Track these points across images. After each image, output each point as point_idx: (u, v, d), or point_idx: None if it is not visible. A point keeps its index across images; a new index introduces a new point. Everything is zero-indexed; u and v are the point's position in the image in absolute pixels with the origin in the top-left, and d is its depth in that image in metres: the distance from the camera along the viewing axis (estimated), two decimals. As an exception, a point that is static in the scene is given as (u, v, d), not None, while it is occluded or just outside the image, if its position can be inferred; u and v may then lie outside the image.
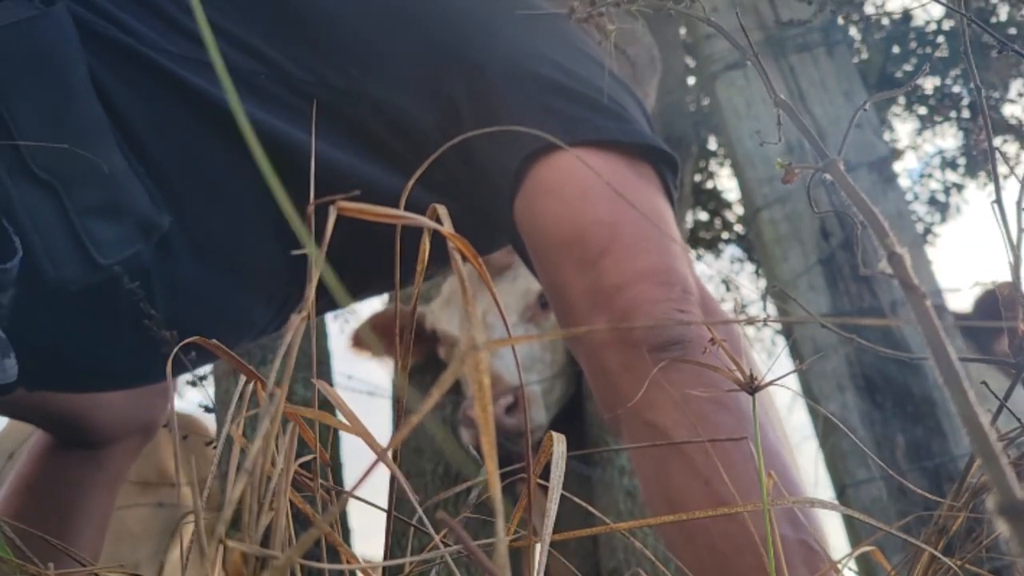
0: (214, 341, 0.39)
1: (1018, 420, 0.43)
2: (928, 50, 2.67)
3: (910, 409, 1.52)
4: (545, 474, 0.37)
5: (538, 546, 0.35)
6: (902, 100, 2.93)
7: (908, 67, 2.70)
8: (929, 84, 2.84)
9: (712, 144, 3.15)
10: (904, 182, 3.07)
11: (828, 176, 0.32)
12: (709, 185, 3.32)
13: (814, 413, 1.56)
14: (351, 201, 0.29)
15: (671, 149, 0.79)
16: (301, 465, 0.38)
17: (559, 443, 0.37)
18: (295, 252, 0.65)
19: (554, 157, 0.74)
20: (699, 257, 3.30)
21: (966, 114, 2.85)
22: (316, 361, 0.71)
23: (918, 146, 3.06)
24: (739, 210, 3.24)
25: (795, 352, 1.60)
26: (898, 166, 3.05)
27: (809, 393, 1.56)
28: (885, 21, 2.72)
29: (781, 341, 2.81)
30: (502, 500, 0.23)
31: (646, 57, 1.05)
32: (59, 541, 0.57)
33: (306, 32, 0.82)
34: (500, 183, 0.77)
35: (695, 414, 0.63)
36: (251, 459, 0.30)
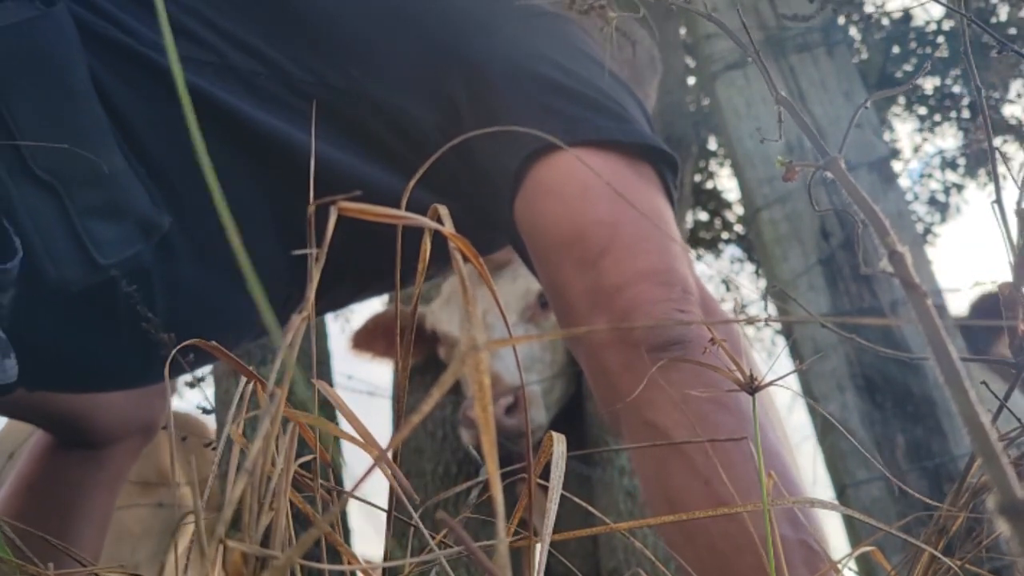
0: (213, 343, 0.39)
1: (1018, 420, 0.43)
2: (928, 50, 2.67)
3: (910, 409, 1.52)
4: (545, 474, 0.37)
5: (538, 546, 0.35)
6: (902, 100, 2.93)
7: (908, 67, 2.70)
8: (929, 84, 2.84)
9: (712, 144, 3.15)
10: (904, 182, 3.08)
11: (829, 174, 0.32)
12: (709, 185, 3.32)
13: (814, 413, 1.55)
14: (352, 201, 0.29)
15: (671, 149, 0.79)
16: (301, 465, 0.38)
17: (559, 443, 0.37)
18: (296, 252, 0.65)
19: (554, 157, 0.74)
20: (699, 257, 3.30)
21: (966, 114, 2.86)
22: (316, 361, 0.71)
23: (918, 146, 3.07)
24: (739, 210, 3.24)
25: (795, 352, 1.60)
26: (898, 166, 3.05)
27: (809, 393, 1.56)
28: (885, 21, 2.72)
29: (781, 341, 2.81)
30: (502, 500, 0.23)
31: (646, 57, 1.05)
32: (59, 541, 0.57)
33: (306, 32, 0.82)
34: (500, 183, 0.77)
35: (695, 414, 0.63)
36: (251, 459, 0.30)
